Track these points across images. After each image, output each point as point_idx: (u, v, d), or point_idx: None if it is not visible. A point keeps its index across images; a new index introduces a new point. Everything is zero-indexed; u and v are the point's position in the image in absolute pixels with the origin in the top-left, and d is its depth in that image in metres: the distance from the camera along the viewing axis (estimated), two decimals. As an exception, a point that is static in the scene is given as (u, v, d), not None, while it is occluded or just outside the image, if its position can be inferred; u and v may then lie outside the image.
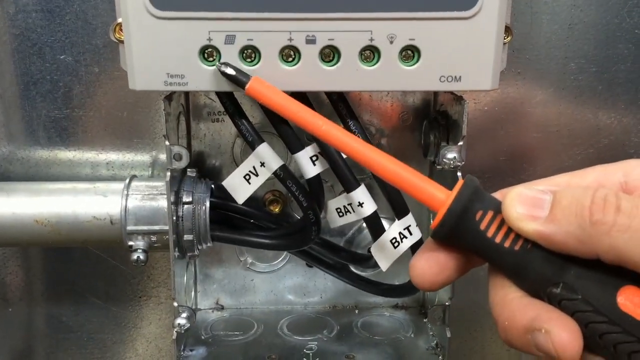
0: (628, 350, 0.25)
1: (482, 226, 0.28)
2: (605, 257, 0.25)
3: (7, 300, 0.53)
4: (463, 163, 0.41)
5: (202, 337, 0.48)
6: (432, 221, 0.29)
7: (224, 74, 0.35)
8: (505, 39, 0.37)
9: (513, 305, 0.27)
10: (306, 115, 0.33)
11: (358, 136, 0.41)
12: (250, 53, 0.36)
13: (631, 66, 0.47)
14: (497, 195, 0.29)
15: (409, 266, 0.30)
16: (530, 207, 0.27)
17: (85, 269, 0.52)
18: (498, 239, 0.27)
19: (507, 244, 0.27)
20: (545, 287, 0.26)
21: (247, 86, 0.35)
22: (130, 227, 0.44)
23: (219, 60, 0.36)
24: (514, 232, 0.27)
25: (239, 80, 0.35)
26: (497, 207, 0.28)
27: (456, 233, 0.28)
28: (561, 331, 0.25)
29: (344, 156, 0.41)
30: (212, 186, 0.45)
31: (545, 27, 0.46)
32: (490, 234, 0.27)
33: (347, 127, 0.40)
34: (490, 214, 0.28)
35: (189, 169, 0.44)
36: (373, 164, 0.31)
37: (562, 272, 0.26)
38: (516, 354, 0.55)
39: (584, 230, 0.25)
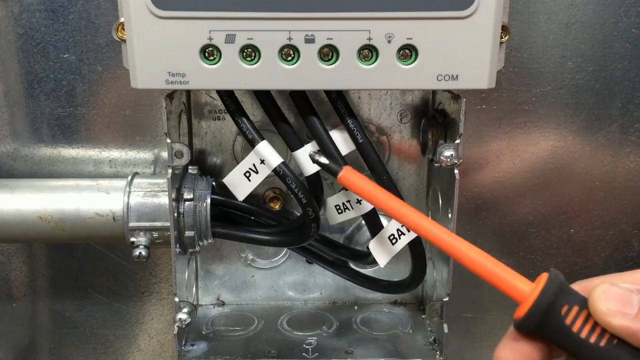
0: None
1: (568, 321, 0.29)
2: None
3: (12, 296, 0.53)
4: (461, 161, 0.41)
5: (203, 332, 0.48)
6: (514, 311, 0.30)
7: (317, 162, 0.37)
8: (502, 38, 0.38)
9: None
10: (395, 205, 0.35)
11: (358, 135, 0.41)
12: (250, 52, 0.36)
13: (628, 65, 0.47)
14: (577, 287, 0.30)
15: (493, 356, 0.31)
16: (620, 303, 0.28)
17: (88, 265, 0.52)
18: (584, 335, 0.28)
19: (592, 340, 0.28)
20: None
21: (339, 175, 0.36)
22: (132, 224, 0.44)
23: (220, 59, 0.36)
24: (600, 327, 0.28)
25: (331, 169, 0.37)
26: (583, 302, 0.29)
27: (541, 327, 0.29)
28: None
29: (343, 153, 0.41)
30: (213, 183, 0.46)
31: (542, 27, 0.46)
32: (575, 329, 0.28)
33: (346, 125, 0.41)
34: (575, 308, 0.29)
35: (190, 167, 0.45)
36: (458, 254, 0.32)
37: None
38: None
39: None
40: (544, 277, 0.30)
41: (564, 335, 0.29)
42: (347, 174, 0.36)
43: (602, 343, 0.28)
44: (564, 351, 0.30)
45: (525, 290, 0.30)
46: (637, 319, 0.27)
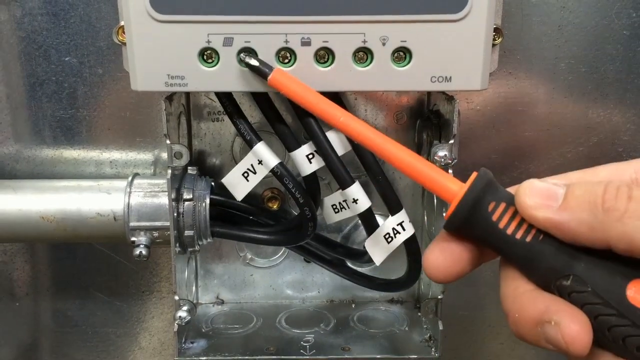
0: (637, 344, 0.25)
1: (495, 217, 0.28)
2: (616, 245, 0.25)
3: (14, 295, 0.54)
4: (455, 161, 0.42)
5: (203, 330, 0.49)
6: (443, 215, 0.30)
7: (247, 64, 0.36)
8: (495, 40, 0.39)
9: (523, 298, 0.27)
10: (325, 107, 0.34)
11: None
12: (248, 55, 0.37)
13: (620, 66, 0.48)
14: (512, 190, 0.29)
15: (423, 258, 0.30)
16: (544, 197, 0.27)
17: (89, 265, 0.53)
18: (510, 231, 0.28)
19: (518, 236, 0.27)
20: (555, 279, 0.27)
21: (269, 77, 0.35)
22: (132, 223, 0.45)
23: (219, 62, 0.37)
24: (526, 223, 0.27)
25: (261, 71, 0.36)
26: (510, 199, 0.28)
27: (468, 224, 0.28)
28: (571, 323, 0.25)
29: (340, 154, 0.42)
30: (212, 183, 0.46)
31: (535, 29, 0.47)
32: (502, 225, 0.28)
33: (342, 126, 0.42)
34: (502, 205, 0.28)
35: (189, 167, 0.46)
36: (389, 155, 0.31)
37: (573, 264, 0.26)
38: (508, 348, 0.56)
39: (595, 217, 0.25)
40: (472, 176, 0.29)
41: (491, 232, 0.28)
42: (277, 76, 0.35)
43: (528, 239, 0.27)
44: (491, 248, 0.29)
45: (455, 189, 0.29)
46: (561, 210, 0.26)
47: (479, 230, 0.28)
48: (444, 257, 0.30)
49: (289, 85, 0.35)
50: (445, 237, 0.30)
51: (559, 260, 0.27)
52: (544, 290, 0.27)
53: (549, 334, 0.26)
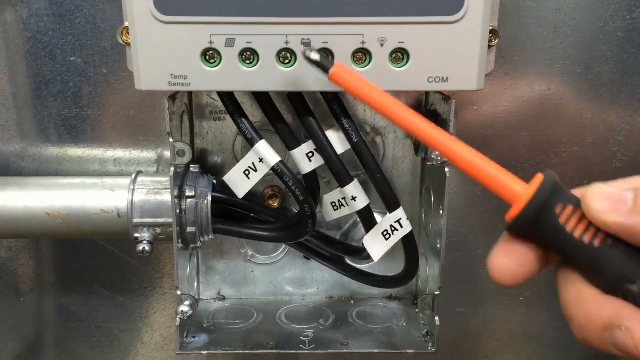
0: None
1: (562, 220, 0.27)
2: None
3: (19, 291, 0.55)
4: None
5: (204, 325, 0.50)
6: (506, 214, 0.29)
7: (308, 59, 0.35)
8: (492, 41, 0.39)
9: (589, 303, 0.27)
10: (387, 103, 0.33)
11: (352, 135, 0.43)
12: (250, 55, 0.38)
13: (614, 67, 0.49)
14: (575, 193, 0.29)
15: (488, 263, 0.29)
16: (613, 201, 0.27)
17: (93, 261, 0.54)
18: (577, 234, 0.27)
19: (586, 240, 0.27)
20: (623, 285, 0.26)
21: (330, 72, 0.34)
22: (136, 220, 0.46)
23: (221, 62, 0.38)
24: (594, 227, 0.27)
25: (323, 66, 0.35)
26: (577, 202, 0.28)
27: (535, 227, 0.28)
28: None
29: (339, 152, 0.43)
30: (214, 181, 0.47)
31: (531, 31, 0.48)
32: (569, 228, 0.27)
33: (341, 125, 0.43)
34: (570, 208, 0.28)
35: (192, 165, 0.47)
36: (452, 154, 0.30)
37: None
38: (504, 344, 0.57)
39: None
40: (538, 178, 0.29)
41: (558, 235, 0.28)
42: (339, 71, 0.34)
43: (597, 243, 0.27)
44: (558, 252, 0.29)
45: (519, 190, 0.29)
46: (631, 214, 0.26)
47: (545, 233, 0.28)
48: (510, 260, 0.29)
49: (350, 80, 0.34)
50: (509, 239, 0.29)
51: (628, 265, 0.26)
52: (609, 294, 0.27)
53: (619, 340, 0.25)
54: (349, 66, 0.38)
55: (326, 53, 0.38)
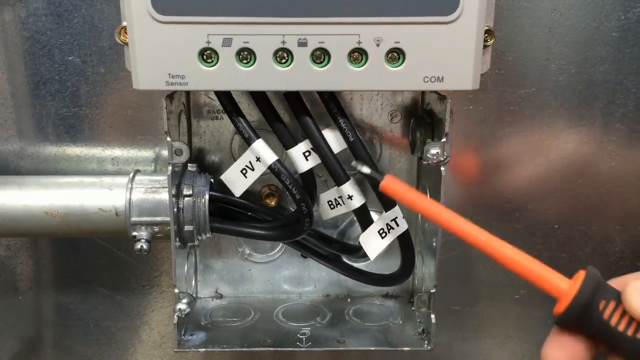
0: None
1: (606, 316, 0.31)
2: None
3: (18, 289, 0.55)
4: (449, 159, 0.43)
5: (202, 323, 0.50)
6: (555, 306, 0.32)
7: (359, 172, 0.39)
8: (487, 41, 0.40)
9: None
10: (437, 211, 0.36)
11: (349, 134, 0.43)
12: (246, 55, 0.38)
13: (609, 67, 0.49)
14: (613, 284, 0.32)
15: (541, 356, 0.32)
16: None
17: (91, 260, 0.54)
18: (621, 328, 0.30)
19: (630, 333, 0.30)
20: None
21: (381, 183, 0.38)
22: (134, 219, 0.46)
23: (218, 61, 0.38)
24: (636, 321, 0.30)
25: (373, 178, 0.38)
26: (619, 298, 0.31)
27: (581, 322, 0.31)
28: None
29: (335, 151, 0.43)
30: (212, 180, 0.47)
31: (527, 30, 0.48)
32: (613, 323, 0.30)
33: (338, 125, 0.43)
34: (612, 304, 0.31)
35: (189, 164, 0.47)
36: (498, 254, 0.33)
37: None
38: (500, 342, 0.57)
39: None
40: (581, 274, 0.32)
41: (603, 329, 0.31)
42: (389, 182, 0.38)
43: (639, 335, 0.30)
44: (603, 344, 0.31)
45: (564, 287, 0.32)
46: None
47: (590, 327, 0.31)
48: (561, 352, 0.32)
49: (400, 191, 0.37)
50: (558, 332, 0.32)
51: None
52: None
53: None
54: (346, 66, 0.38)
55: (322, 53, 0.38)
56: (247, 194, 0.45)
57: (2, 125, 0.50)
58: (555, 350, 0.32)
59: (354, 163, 0.39)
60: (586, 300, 0.31)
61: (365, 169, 0.38)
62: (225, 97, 0.43)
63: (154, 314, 0.56)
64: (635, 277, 0.31)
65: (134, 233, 0.46)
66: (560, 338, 0.32)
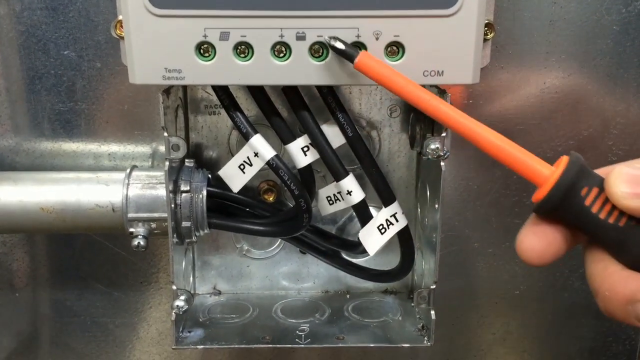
0: None
1: (587, 202, 0.29)
2: None
3: (14, 286, 0.55)
4: (448, 154, 0.43)
5: (200, 320, 0.50)
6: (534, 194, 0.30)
7: (333, 47, 0.36)
8: (487, 35, 0.39)
9: (614, 278, 0.28)
10: (413, 90, 0.34)
11: (348, 129, 0.43)
12: (244, 49, 0.38)
13: (610, 61, 0.49)
14: (600, 172, 0.30)
15: (516, 243, 0.31)
16: (634, 184, 0.28)
17: (88, 256, 0.54)
18: (602, 215, 0.29)
19: (611, 220, 0.29)
20: None
21: (356, 60, 0.35)
22: (131, 215, 0.46)
23: (215, 55, 0.38)
24: (618, 209, 0.28)
25: (348, 54, 0.36)
26: (602, 184, 0.29)
27: (561, 208, 0.29)
28: None
29: (334, 147, 0.43)
30: (209, 176, 0.47)
31: (527, 24, 0.48)
32: (595, 209, 0.29)
33: (337, 120, 0.43)
34: (595, 190, 0.29)
35: (187, 159, 0.47)
36: (478, 138, 0.32)
37: None
38: (500, 338, 0.57)
39: None
40: (564, 160, 0.30)
41: (584, 216, 0.29)
42: (364, 58, 0.35)
43: (621, 223, 0.28)
44: (583, 232, 0.30)
45: (545, 172, 0.30)
46: None
47: (571, 214, 0.29)
48: (538, 240, 0.30)
49: (376, 68, 0.35)
50: (536, 220, 0.31)
51: None
52: (633, 270, 0.28)
53: None
54: (345, 60, 0.38)
55: (321, 46, 0.38)
56: (245, 189, 0.45)
57: (-3, 120, 0.50)
58: (532, 236, 0.30)
59: (326, 37, 0.36)
60: (568, 186, 0.29)
61: (339, 44, 0.36)
62: (223, 92, 0.42)
63: (152, 311, 0.56)
64: (622, 164, 0.29)
65: (131, 229, 0.46)
66: (537, 225, 0.30)
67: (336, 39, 0.36)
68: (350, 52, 0.36)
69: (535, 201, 0.30)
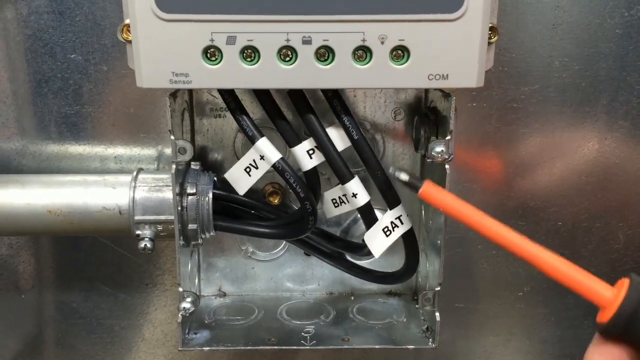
0: None
1: None
2: None
3: (20, 288, 0.55)
4: (452, 156, 0.43)
5: (206, 322, 0.50)
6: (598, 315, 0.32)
7: (397, 179, 0.37)
8: (491, 38, 0.40)
9: None
10: (479, 219, 0.35)
11: (353, 132, 0.43)
12: (250, 53, 0.38)
13: (612, 64, 0.49)
14: None
15: None
16: None
17: (94, 258, 0.54)
18: None
19: None
20: None
21: (420, 190, 0.37)
22: (137, 217, 0.46)
23: (222, 59, 0.38)
24: None
25: (413, 185, 0.37)
26: None
27: (626, 332, 0.31)
28: None
29: (339, 149, 0.43)
30: (215, 178, 0.47)
31: (530, 27, 0.48)
32: None
33: (342, 123, 0.43)
34: None
35: (193, 162, 0.47)
36: (544, 264, 0.33)
37: None
38: (503, 339, 0.57)
39: None
40: (625, 283, 0.31)
41: None
42: (428, 188, 0.37)
43: None
44: None
45: (607, 295, 0.32)
46: None
47: (636, 337, 0.31)
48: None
49: (440, 198, 0.36)
50: (601, 341, 0.32)
51: None
52: None
53: None
54: (350, 63, 0.38)
55: (327, 50, 0.38)
56: (250, 192, 0.45)
57: (4, 123, 0.50)
58: (598, 357, 0.32)
59: (391, 169, 0.38)
60: (632, 311, 0.30)
61: (404, 176, 0.37)
62: (229, 95, 0.43)
63: (157, 313, 0.56)
64: None
65: (138, 232, 0.46)
66: (604, 345, 0.32)
67: (401, 170, 0.37)
68: (415, 183, 0.37)
69: (599, 323, 0.32)
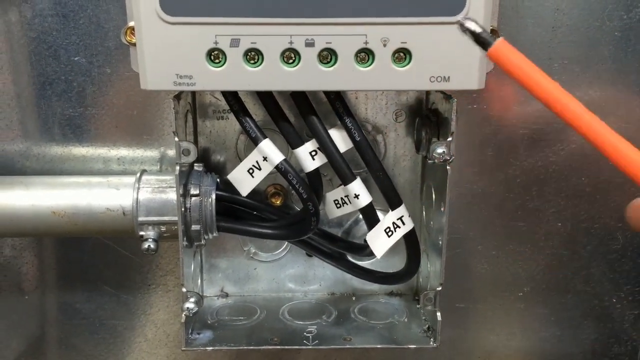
0: None
1: None
2: None
3: (23, 289, 0.55)
4: (453, 158, 0.43)
5: (208, 322, 0.50)
6: None
7: (466, 29, 0.30)
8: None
9: None
10: (550, 87, 0.30)
11: (355, 133, 0.43)
12: (254, 55, 0.38)
13: (611, 66, 0.49)
14: None
15: (628, 207, 0.33)
16: None
17: (97, 259, 0.54)
18: None
19: None
20: None
21: (490, 47, 0.30)
22: (141, 218, 0.46)
23: (226, 62, 0.38)
24: None
25: (483, 40, 0.30)
26: None
27: None
28: None
29: (341, 151, 0.44)
30: (218, 180, 0.48)
31: (530, 30, 0.48)
32: None
33: (344, 124, 0.43)
34: None
35: (196, 164, 0.47)
36: (603, 144, 0.30)
37: None
38: (504, 339, 0.58)
39: None
40: None
41: None
42: (502, 47, 0.30)
43: None
44: None
45: None
46: None
47: None
48: None
49: (513, 59, 0.30)
50: None
51: None
52: None
53: None
54: (353, 66, 0.38)
55: (329, 53, 0.38)
56: (253, 193, 0.45)
57: (8, 125, 0.50)
58: None
59: (460, 19, 0.30)
60: None
61: (474, 26, 0.30)
62: (232, 97, 0.43)
63: (160, 313, 0.56)
64: None
65: (142, 233, 0.46)
66: None
67: (471, 20, 0.30)
68: (486, 38, 0.30)
69: None
